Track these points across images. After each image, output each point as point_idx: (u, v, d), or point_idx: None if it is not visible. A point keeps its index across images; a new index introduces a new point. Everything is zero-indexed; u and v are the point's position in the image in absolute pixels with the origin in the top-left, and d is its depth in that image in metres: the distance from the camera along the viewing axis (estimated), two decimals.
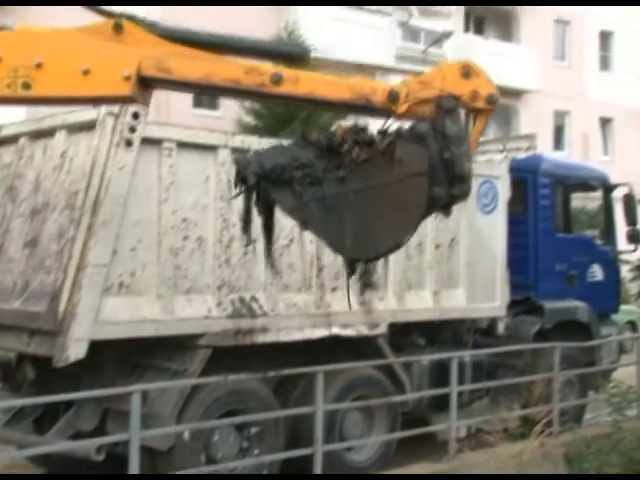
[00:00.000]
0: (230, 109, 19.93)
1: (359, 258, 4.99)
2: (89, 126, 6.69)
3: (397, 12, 24.99)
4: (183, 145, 6.94)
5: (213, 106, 21.98)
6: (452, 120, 4.94)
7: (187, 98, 19.03)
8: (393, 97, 5.02)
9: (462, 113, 5.10)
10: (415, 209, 4.93)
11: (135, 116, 6.49)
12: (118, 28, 5.01)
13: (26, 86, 4.86)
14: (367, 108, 5.09)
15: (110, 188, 6.42)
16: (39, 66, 4.81)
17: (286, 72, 5.09)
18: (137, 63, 4.87)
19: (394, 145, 4.85)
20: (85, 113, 6.90)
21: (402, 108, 5.03)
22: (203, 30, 5.45)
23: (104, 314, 6.45)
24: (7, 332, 6.75)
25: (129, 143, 6.50)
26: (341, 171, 4.84)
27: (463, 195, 4.99)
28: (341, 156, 4.86)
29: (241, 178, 4.86)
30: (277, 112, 17.80)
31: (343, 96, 5.08)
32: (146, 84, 5.07)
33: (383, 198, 4.88)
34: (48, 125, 7.15)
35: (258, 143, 7.02)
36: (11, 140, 7.51)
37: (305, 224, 4.91)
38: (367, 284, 5.07)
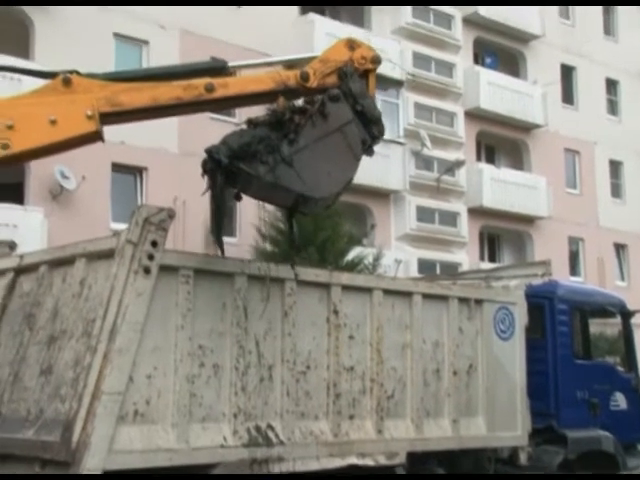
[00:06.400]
0: (247, 236, 20.08)
1: (323, 195, 6.39)
2: (108, 254, 6.77)
3: (410, 142, 25.60)
4: (200, 272, 6.99)
5: (229, 233, 22.13)
6: (353, 81, 6.59)
7: (202, 227, 19.17)
8: (304, 77, 6.55)
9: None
10: (355, 148, 6.56)
11: (154, 244, 6.58)
12: (67, 82, 5.90)
13: (4, 147, 5.68)
14: (286, 92, 6.46)
15: (127, 315, 6.44)
16: (10, 127, 5.64)
17: (216, 80, 6.34)
18: (93, 104, 5.81)
19: (322, 106, 6.41)
20: (105, 241, 7.01)
21: (313, 83, 6.57)
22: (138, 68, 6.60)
23: (118, 443, 6.33)
24: (18, 463, 6.61)
25: (147, 270, 6.56)
26: (290, 135, 6.22)
27: (380, 134, 6.71)
28: (286, 125, 6.25)
29: (215, 162, 5.94)
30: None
31: (267, 87, 6.46)
32: (102, 122, 5.95)
33: (329, 147, 6.36)
34: (69, 253, 7.26)
35: (275, 270, 7.09)
36: (32, 268, 7.59)
37: (275, 183, 6.12)
38: (293, 245, 6.64)
